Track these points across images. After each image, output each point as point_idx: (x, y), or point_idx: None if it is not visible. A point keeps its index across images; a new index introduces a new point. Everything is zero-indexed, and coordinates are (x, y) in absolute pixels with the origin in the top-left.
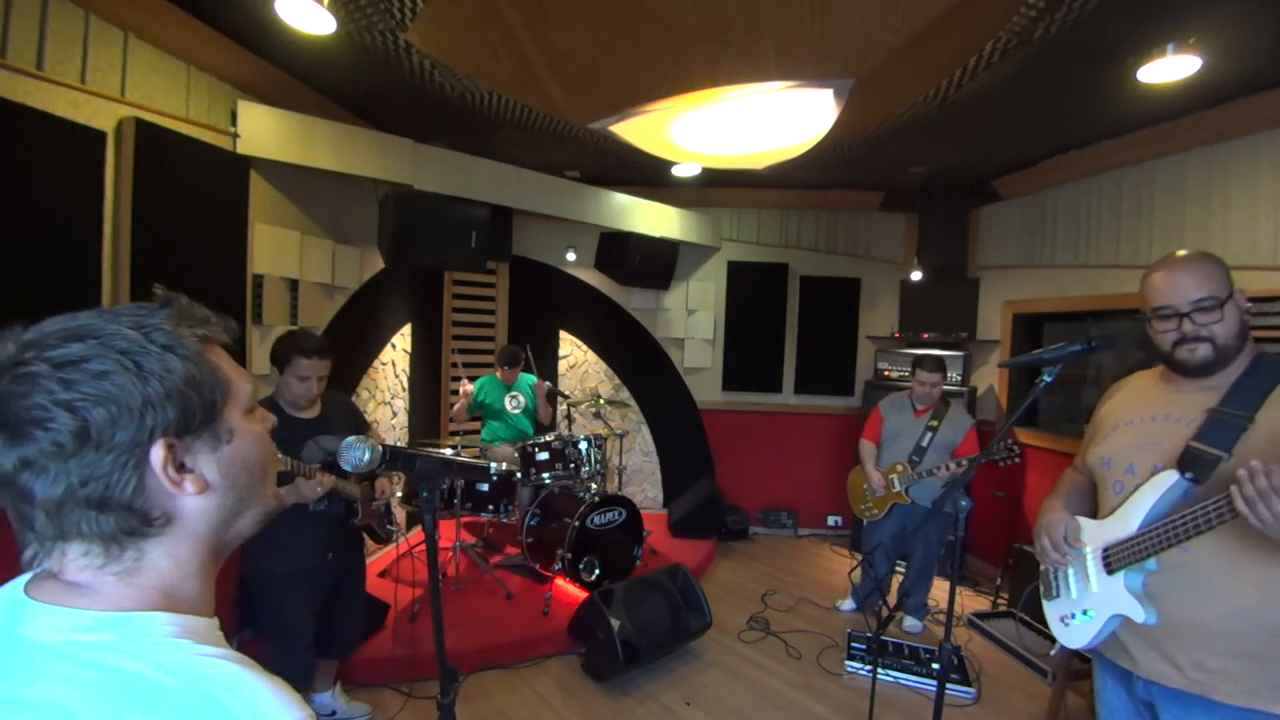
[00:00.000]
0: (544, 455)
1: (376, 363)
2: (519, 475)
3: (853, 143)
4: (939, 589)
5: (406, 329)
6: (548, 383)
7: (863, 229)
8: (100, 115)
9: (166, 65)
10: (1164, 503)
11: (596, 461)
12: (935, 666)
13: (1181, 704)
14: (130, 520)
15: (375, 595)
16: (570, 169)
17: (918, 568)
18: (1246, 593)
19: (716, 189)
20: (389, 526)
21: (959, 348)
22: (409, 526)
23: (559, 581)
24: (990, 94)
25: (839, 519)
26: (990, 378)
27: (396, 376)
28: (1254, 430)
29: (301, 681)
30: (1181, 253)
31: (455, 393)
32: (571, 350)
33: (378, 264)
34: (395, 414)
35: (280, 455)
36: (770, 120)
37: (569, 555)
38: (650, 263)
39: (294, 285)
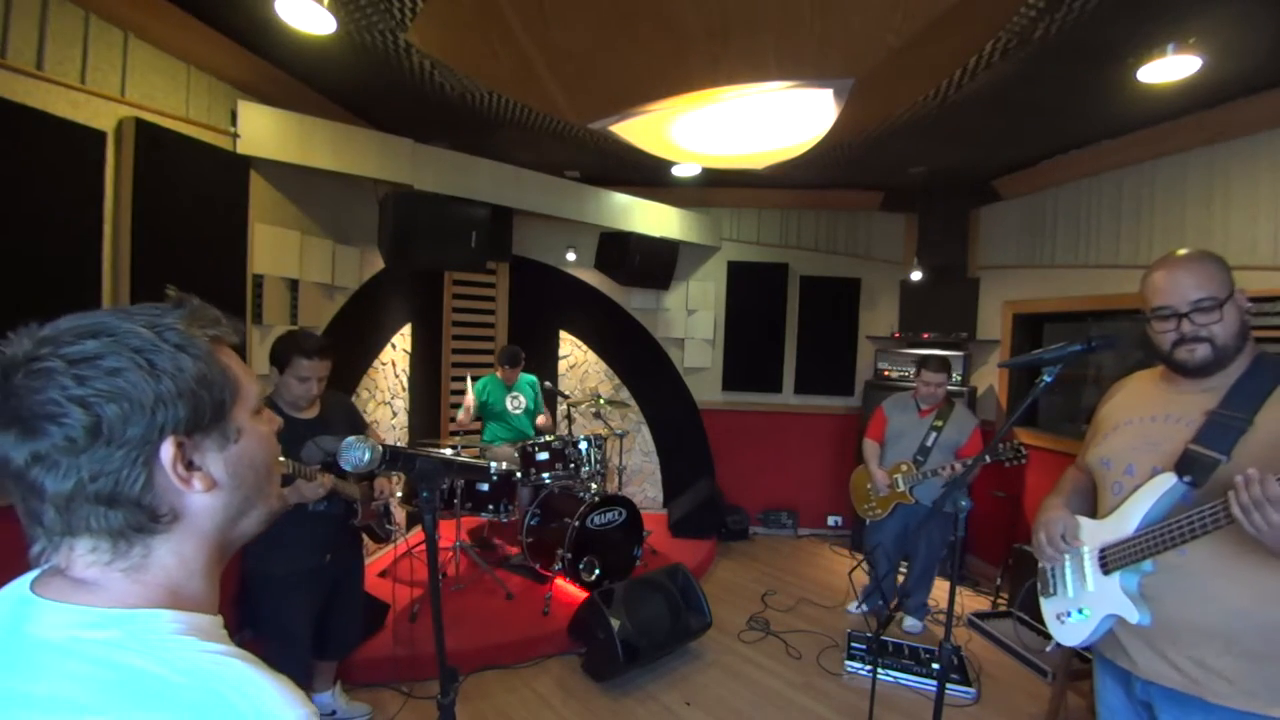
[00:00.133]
0: (544, 455)
1: (376, 363)
2: (519, 475)
3: (853, 143)
4: (939, 589)
5: (406, 329)
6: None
7: (863, 229)
8: (100, 115)
9: (166, 65)
10: (1162, 505)
11: (596, 461)
12: (935, 666)
13: (1179, 705)
14: (138, 516)
15: (375, 595)
16: (570, 169)
17: (920, 568)
18: (1242, 594)
19: (716, 189)
20: (389, 526)
21: (959, 348)
22: (409, 526)
23: (559, 581)
24: (990, 94)
25: (839, 519)
26: (990, 378)
27: (396, 376)
28: (1252, 433)
29: (299, 681)
30: (1182, 252)
31: (457, 406)
32: (571, 350)
33: (378, 264)
34: (395, 414)
35: (280, 458)
36: (770, 120)
37: (569, 555)
38: (650, 263)
39: (294, 285)
